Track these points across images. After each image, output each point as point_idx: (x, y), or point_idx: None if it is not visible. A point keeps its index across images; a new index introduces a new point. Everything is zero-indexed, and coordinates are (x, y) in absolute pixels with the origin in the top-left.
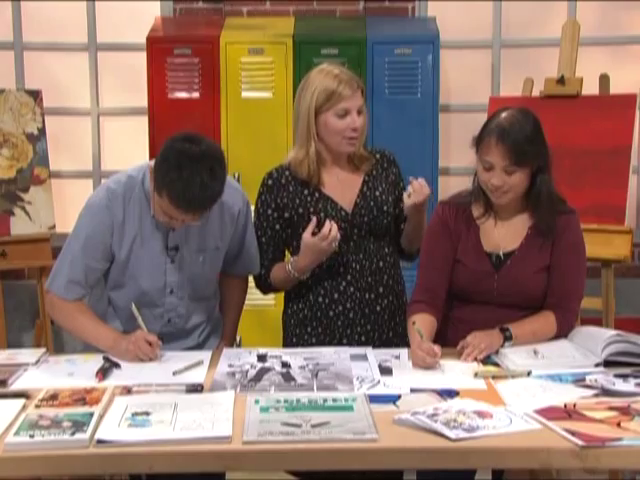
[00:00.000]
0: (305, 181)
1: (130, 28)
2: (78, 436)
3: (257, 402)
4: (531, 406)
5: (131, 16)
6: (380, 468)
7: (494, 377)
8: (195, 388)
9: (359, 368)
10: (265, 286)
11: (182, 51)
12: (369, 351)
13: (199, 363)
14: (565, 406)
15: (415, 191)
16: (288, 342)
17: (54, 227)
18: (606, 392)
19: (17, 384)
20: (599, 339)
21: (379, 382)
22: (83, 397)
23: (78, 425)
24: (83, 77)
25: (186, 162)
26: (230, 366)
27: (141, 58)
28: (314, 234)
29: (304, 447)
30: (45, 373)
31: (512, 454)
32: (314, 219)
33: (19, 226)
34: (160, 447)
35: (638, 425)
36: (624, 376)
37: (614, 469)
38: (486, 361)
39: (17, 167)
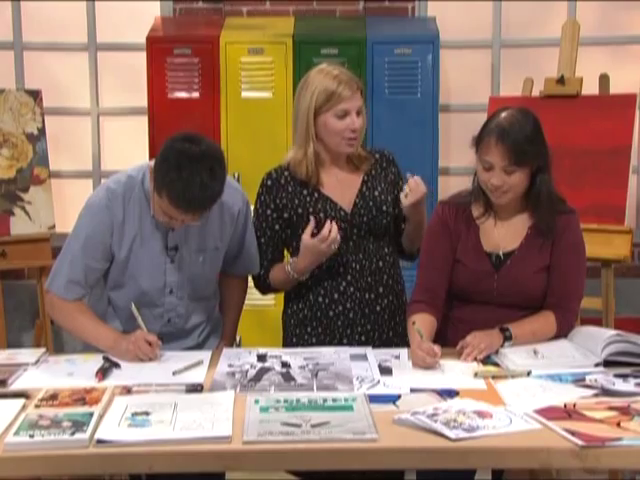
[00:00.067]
0: (304, 181)
1: (130, 28)
2: (78, 436)
3: (257, 402)
4: (531, 406)
5: (131, 16)
6: (380, 468)
7: (494, 377)
8: (195, 388)
9: (359, 368)
10: (264, 286)
11: (182, 51)
12: (369, 351)
13: (199, 363)
14: (565, 406)
15: (411, 190)
16: (288, 342)
17: (54, 227)
18: (606, 392)
19: (17, 384)
20: (599, 339)
21: (379, 382)
22: (83, 397)
23: (78, 425)
24: (83, 77)
25: (186, 162)
26: (230, 366)
27: (141, 58)
28: (313, 235)
29: (304, 447)
30: (45, 373)
31: (512, 454)
32: (312, 220)
33: (19, 226)
34: (160, 447)
35: (638, 425)
36: (624, 376)
37: (614, 469)
38: (486, 361)
39: (17, 167)
